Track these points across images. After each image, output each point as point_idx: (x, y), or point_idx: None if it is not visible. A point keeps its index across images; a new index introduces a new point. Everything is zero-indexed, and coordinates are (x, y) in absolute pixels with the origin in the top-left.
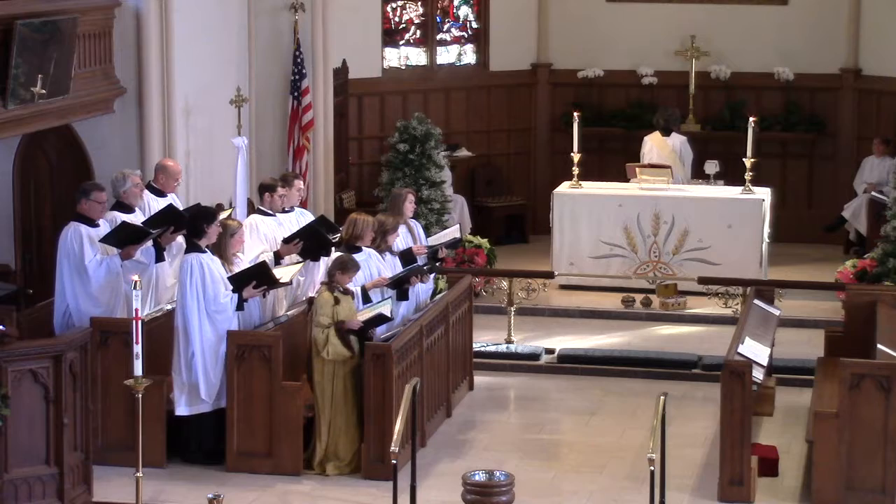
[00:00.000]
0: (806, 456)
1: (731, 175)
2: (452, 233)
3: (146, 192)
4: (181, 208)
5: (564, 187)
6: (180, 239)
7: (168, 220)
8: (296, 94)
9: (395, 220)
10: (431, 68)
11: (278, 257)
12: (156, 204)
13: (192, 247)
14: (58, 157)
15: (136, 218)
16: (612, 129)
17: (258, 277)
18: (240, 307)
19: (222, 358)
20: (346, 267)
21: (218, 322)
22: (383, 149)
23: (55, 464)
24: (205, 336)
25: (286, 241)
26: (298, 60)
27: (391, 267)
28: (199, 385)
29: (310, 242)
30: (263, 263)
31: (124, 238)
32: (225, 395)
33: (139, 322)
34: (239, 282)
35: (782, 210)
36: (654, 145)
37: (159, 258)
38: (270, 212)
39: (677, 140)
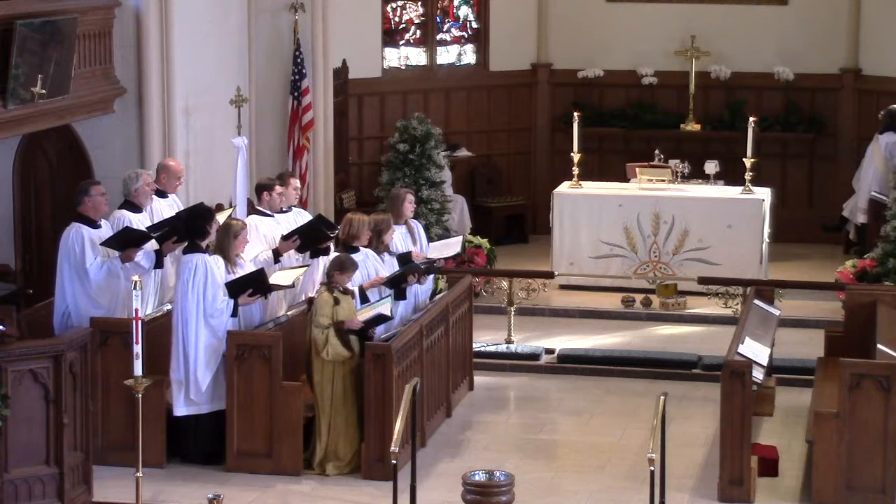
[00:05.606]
0: (806, 456)
1: (731, 175)
2: (454, 246)
3: None
4: (181, 209)
5: (564, 187)
6: None
7: (173, 228)
8: (296, 94)
9: (388, 217)
10: (431, 68)
11: (277, 254)
12: (158, 205)
13: (193, 247)
14: (58, 157)
15: (144, 218)
16: (612, 129)
17: (255, 285)
18: (234, 313)
19: (215, 361)
20: (344, 267)
21: (212, 325)
22: (383, 149)
23: (55, 464)
24: (200, 337)
25: (285, 238)
26: (298, 60)
27: (390, 268)
28: (191, 386)
29: (308, 239)
30: (261, 271)
31: (125, 241)
32: (223, 396)
33: (139, 322)
34: (235, 289)
35: (782, 210)
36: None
37: (158, 264)
38: (269, 212)
39: (886, 139)
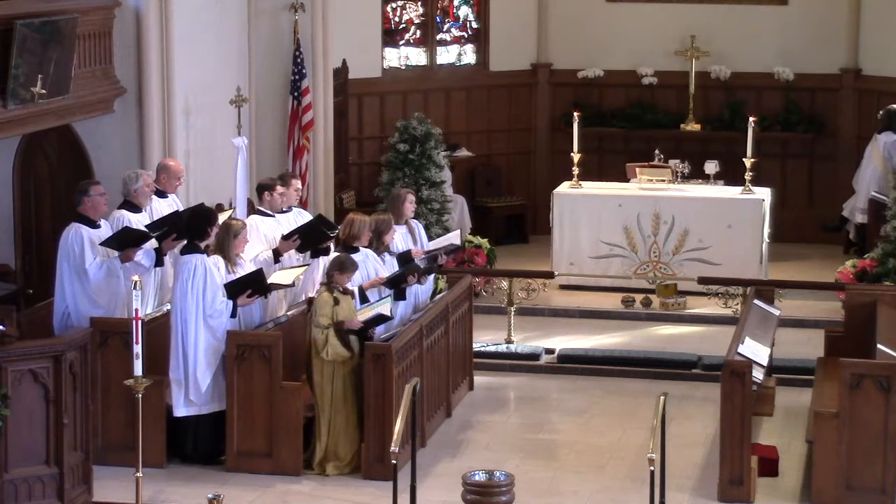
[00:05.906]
0: (806, 456)
1: (731, 175)
2: (452, 238)
3: None
4: (181, 209)
5: (564, 187)
6: None
7: (172, 226)
8: (296, 94)
9: (389, 218)
10: (431, 68)
11: (277, 254)
12: (157, 205)
13: (192, 247)
14: (58, 157)
15: (143, 218)
16: (612, 129)
17: (254, 285)
18: (233, 314)
19: (215, 362)
20: (344, 267)
21: (212, 326)
22: (383, 149)
23: (55, 464)
24: (199, 338)
25: (285, 237)
26: (298, 60)
27: (390, 269)
28: (190, 387)
29: (308, 239)
30: (260, 271)
31: (124, 241)
32: (223, 396)
33: (139, 322)
34: (234, 289)
35: (782, 210)
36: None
37: (159, 263)
38: (270, 212)
39: (885, 139)
